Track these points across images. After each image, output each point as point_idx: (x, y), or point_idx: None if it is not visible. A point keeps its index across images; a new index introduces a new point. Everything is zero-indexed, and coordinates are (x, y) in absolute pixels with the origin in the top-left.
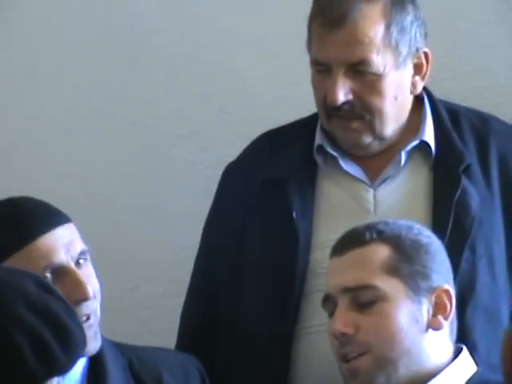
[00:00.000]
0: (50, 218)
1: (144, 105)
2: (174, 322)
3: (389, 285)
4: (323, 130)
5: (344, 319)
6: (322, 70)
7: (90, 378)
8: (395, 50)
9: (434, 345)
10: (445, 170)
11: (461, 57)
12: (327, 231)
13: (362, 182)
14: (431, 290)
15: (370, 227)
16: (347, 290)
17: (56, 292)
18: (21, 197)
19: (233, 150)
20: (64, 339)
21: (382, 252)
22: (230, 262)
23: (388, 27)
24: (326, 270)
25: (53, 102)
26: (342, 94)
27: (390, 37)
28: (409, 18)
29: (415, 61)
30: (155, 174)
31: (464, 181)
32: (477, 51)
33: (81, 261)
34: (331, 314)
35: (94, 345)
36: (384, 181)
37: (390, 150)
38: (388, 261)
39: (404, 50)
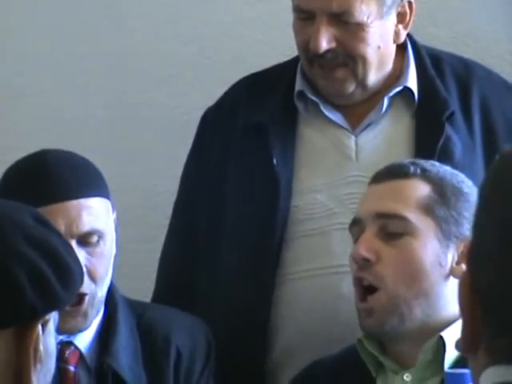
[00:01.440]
0: (65, 187)
1: (123, 48)
2: (151, 265)
3: (421, 222)
4: (304, 76)
5: (368, 244)
6: (305, 18)
7: (103, 334)
8: None
9: (453, 293)
10: (428, 116)
11: (442, 3)
12: (308, 178)
13: (344, 128)
14: (461, 237)
15: (415, 163)
16: (379, 215)
17: (52, 226)
18: (54, 153)
19: (212, 95)
20: (62, 273)
21: (422, 189)
22: (209, 207)
23: None
24: (307, 217)
25: (30, 45)
26: (325, 42)
27: None
28: None
29: (399, 10)
30: (133, 117)
31: (447, 128)
32: None
33: (89, 241)
34: (356, 240)
35: (78, 325)
36: (366, 127)
37: (373, 96)
38: (426, 199)
39: (388, 0)
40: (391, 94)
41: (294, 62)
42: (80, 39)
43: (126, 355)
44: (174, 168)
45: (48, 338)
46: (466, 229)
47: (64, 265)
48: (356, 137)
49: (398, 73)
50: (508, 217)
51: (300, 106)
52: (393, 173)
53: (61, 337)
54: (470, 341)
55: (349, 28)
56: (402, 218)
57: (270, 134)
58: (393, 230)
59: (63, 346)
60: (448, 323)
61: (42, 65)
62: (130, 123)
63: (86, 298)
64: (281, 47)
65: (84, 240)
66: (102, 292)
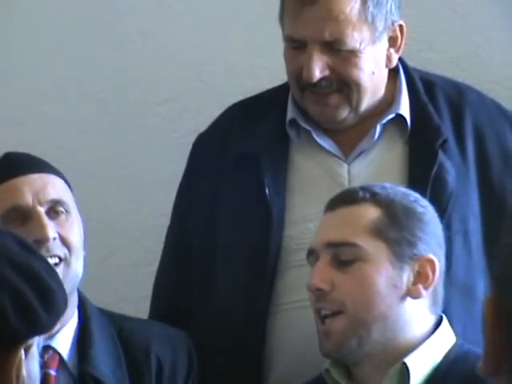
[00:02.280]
0: (28, 164)
1: (120, 72)
2: (148, 290)
3: (372, 246)
4: (295, 103)
5: (322, 274)
6: (296, 47)
7: (80, 343)
8: (371, 25)
9: (412, 314)
10: (421, 144)
11: (437, 27)
12: (301, 207)
13: (336, 156)
14: (415, 258)
15: (365, 188)
16: (330, 245)
17: (37, 252)
18: (17, 151)
19: (209, 119)
20: (46, 298)
21: (371, 213)
22: (202, 238)
23: (364, 2)
24: (300, 246)
25: (27, 70)
26: (318, 71)
27: (366, 12)
28: None
29: (390, 34)
30: (130, 142)
31: (441, 156)
32: (454, 21)
33: (58, 211)
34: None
35: None
36: (358, 155)
37: (365, 123)
38: (376, 223)
39: (380, 25)
40: (383, 121)
41: (286, 88)
42: (76, 63)
43: (106, 363)
44: (170, 192)
45: (31, 363)
46: (422, 249)
47: (47, 289)
48: (349, 165)
49: (391, 99)
50: None
51: (292, 133)
52: (344, 200)
53: None
54: (493, 366)
55: (341, 55)
56: (353, 245)
57: (262, 162)
58: (345, 257)
59: (42, 351)
60: (411, 347)
61: (37, 89)
62: (127, 147)
63: (61, 263)
64: (277, 72)
65: (52, 211)
66: (76, 264)
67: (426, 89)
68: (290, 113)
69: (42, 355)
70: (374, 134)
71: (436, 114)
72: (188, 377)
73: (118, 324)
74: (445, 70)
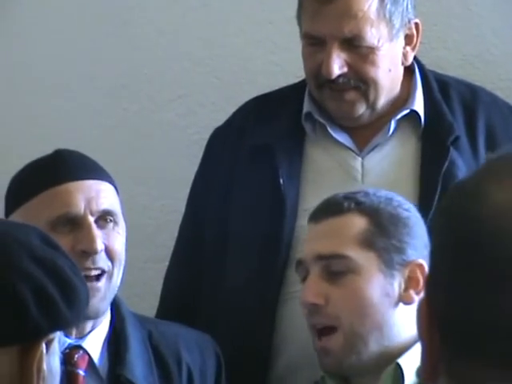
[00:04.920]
0: (82, 169)
1: (133, 68)
2: (159, 285)
3: (362, 257)
4: (312, 98)
5: (314, 289)
6: (314, 44)
7: (112, 346)
8: (389, 22)
9: (405, 319)
10: (433, 140)
11: (452, 25)
12: (314, 198)
13: (351, 149)
14: (405, 264)
15: (348, 197)
16: (320, 257)
17: (61, 248)
18: (69, 149)
19: (222, 115)
20: (68, 294)
21: (358, 223)
22: (215, 227)
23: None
24: None
25: (41, 64)
26: (337, 67)
27: (383, 9)
28: None
29: (406, 32)
30: (144, 138)
31: (452, 152)
32: (468, 20)
33: (107, 220)
34: (303, 280)
35: (95, 304)
36: (372, 149)
37: (380, 118)
38: (364, 233)
39: (397, 22)
40: (398, 117)
41: (302, 84)
42: (91, 58)
43: (140, 367)
44: (183, 188)
45: (52, 358)
46: (410, 254)
47: (70, 284)
48: (362, 158)
49: (406, 96)
50: (458, 241)
51: (307, 127)
52: (329, 210)
53: (69, 340)
54: (431, 367)
55: (360, 52)
56: (343, 257)
57: (277, 154)
58: (336, 269)
59: (72, 350)
60: (404, 349)
61: (52, 85)
62: (140, 143)
63: (105, 275)
64: (291, 68)
65: (102, 219)
66: (117, 275)
67: (440, 88)
68: (306, 107)
69: (72, 355)
70: (389, 129)
71: (449, 112)
72: (216, 382)
73: (148, 328)
74: (459, 68)
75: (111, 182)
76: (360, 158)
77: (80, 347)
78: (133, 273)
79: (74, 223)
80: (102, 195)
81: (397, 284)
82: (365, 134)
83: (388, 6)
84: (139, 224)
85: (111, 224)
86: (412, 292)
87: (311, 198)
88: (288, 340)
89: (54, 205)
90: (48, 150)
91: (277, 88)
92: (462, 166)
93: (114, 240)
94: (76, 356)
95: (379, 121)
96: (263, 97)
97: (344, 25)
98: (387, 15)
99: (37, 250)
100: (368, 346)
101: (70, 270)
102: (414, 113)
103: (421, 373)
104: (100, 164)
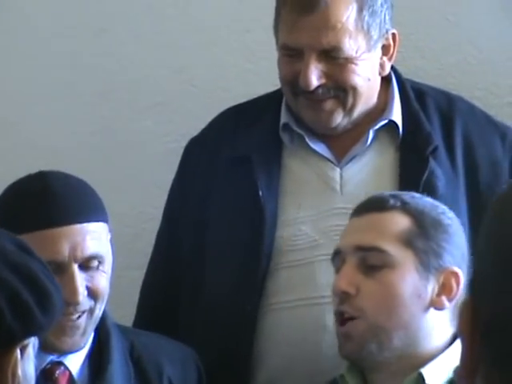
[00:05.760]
0: (69, 211)
1: (111, 76)
2: (137, 293)
3: (400, 254)
4: (289, 108)
5: (348, 278)
6: (292, 55)
7: (93, 360)
8: (367, 33)
9: (434, 325)
10: (412, 150)
11: (429, 35)
12: (293, 209)
13: (329, 160)
14: (441, 269)
15: (395, 196)
16: (359, 248)
17: (34, 253)
18: (54, 176)
19: (200, 123)
20: (42, 299)
21: (401, 222)
22: (192, 238)
23: (360, 11)
24: (292, 248)
25: (18, 71)
26: (315, 79)
27: (361, 21)
28: (379, 1)
29: (384, 42)
30: (121, 145)
31: (431, 162)
32: (445, 29)
33: (91, 264)
34: (337, 270)
35: (76, 341)
36: (351, 160)
37: (357, 129)
38: (405, 232)
39: (375, 34)
40: (376, 127)
41: (279, 94)
42: (68, 65)
43: (120, 381)
44: (160, 195)
45: (27, 364)
46: (447, 260)
47: (44, 291)
48: (341, 169)
49: (383, 106)
50: (506, 245)
51: (285, 137)
52: (373, 206)
53: (51, 357)
54: (469, 368)
55: (337, 63)
56: (382, 251)
57: (255, 165)
58: (372, 262)
59: (53, 366)
60: (428, 358)
61: (29, 91)
62: (117, 150)
63: (85, 312)
64: (269, 77)
65: (85, 264)
66: (100, 310)
67: (417, 96)
68: (284, 117)
69: (53, 371)
70: (367, 139)
71: (427, 122)
72: None
73: (130, 339)
74: (436, 77)
75: (100, 217)
76: (338, 169)
77: (61, 363)
78: (110, 280)
79: (59, 269)
80: (89, 238)
81: (430, 288)
82: (343, 145)
83: (366, 18)
84: (116, 231)
85: (96, 265)
86: (444, 298)
87: (290, 209)
88: (268, 353)
89: (39, 249)
90: (26, 157)
91: (254, 96)
92: (440, 175)
93: (97, 281)
94: (57, 372)
95: (357, 131)
96: (239, 107)
97: (322, 36)
98: (365, 27)
99: (11, 256)
100: (391, 341)
101: (44, 275)
102: (391, 123)
103: (458, 371)
104: (72, 169)
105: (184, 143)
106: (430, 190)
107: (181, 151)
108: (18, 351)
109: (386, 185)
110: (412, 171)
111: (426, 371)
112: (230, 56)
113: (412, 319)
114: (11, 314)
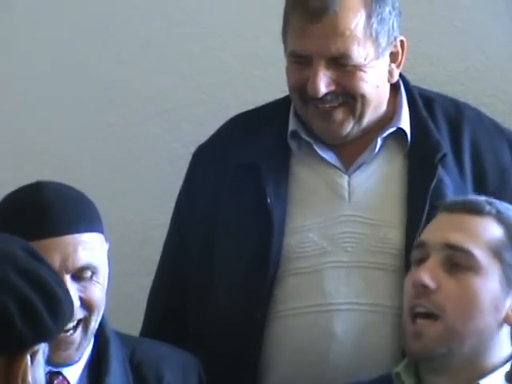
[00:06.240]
0: (63, 222)
1: (119, 83)
2: (144, 300)
3: (487, 261)
4: (297, 115)
5: (431, 272)
6: (301, 62)
7: (92, 370)
8: (375, 41)
9: (503, 339)
10: (420, 158)
11: (437, 42)
12: (301, 217)
13: (337, 168)
14: None
15: (491, 203)
16: (448, 246)
17: (44, 260)
18: (50, 186)
19: (208, 130)
20: (52, 305)
21: (494, 230)
22: (200, 245)
23: (368, 18)
24: (299, 255)
25: (26, 78)
26: (324, 86)
27: (370, 28)
28: (387, 9)
29: (392, 49)
30: (129, 152)
31: (440, 170)
32: (453, 36)
33: (84, 275)
34: (418, 262)
35: (71, 355)
36: (359, 167)
37: (366, 136)
38: (497, 242)
39: (383, 41)
40: (384, 134)
41: (287, 100)
42: (77, 73)
43: None
44: (168, 202)
45: (37, 369)
46: None
47: (54, 297)
48: (349, 177)
49: (391, 113)
50: None
51: (293, 145)
52: (468, 207)
53: (49, 367)
54: None
55: (346, 70)
56: (470, 254)
57: (264, 172)
58: (458, 262)
59: (52, 376)
60: (488, 370)
61: (36, 98)
62: (126, 157)
63: (81, 324)
64: (277, 83)
65: (78, 275)
66: (95, 322)
67: (425, 104)
68: (292, 125)
69: (51, 381)
70: (375, 146)
71: (435, 129)
72: None
73: (131, 348)
74: (444, 84)
75: (94, 228)
76: (346, 176)
77: (60, 373)
78: (118, 287)
79: None
80: (80, 249)
81: (508, 302)
82: (351, 152)
83: (374, 25)
84: (124, 238)
85: (89, 275)
86: None
87: (298, 216)
88: (276, 359)
89: None
90: (34, 164)
91: (263, 103)
92: (449, 183)
93: (91, 292)
94: (55, 382)
95: (365, 139)
96: (247, 113)
97: (331, 43)
98: (374, 34)
99: (21, 262)
100: (462, 347)
101: (55, 281)
102: (400, 130)
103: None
104: (81, 176)
105: (192, 150)
106: (438, 198)
107: (189, 158)
108: (29, 357)
109: (394, 192)
110: (420, 179)
111: (484, 383)
112: (239, 63)
113: (486, 329)
114: (21, 319)
